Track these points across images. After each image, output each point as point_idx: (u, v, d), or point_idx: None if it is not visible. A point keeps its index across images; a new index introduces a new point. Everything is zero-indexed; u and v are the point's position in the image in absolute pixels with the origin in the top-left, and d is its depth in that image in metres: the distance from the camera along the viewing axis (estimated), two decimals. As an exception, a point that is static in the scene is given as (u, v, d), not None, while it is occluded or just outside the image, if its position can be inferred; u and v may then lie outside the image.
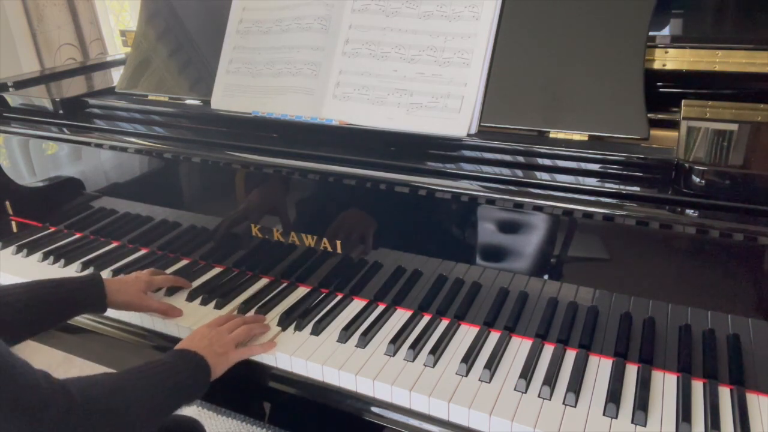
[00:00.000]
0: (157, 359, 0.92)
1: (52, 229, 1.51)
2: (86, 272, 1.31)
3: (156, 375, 0.88)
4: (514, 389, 0.93)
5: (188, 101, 1.36)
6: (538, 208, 0.93)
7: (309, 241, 1.16)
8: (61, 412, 0.73)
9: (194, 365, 0.93)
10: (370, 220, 1.09)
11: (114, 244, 1.43)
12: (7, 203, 1.56)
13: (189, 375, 0.92)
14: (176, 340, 1.13)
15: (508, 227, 0.97)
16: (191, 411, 1.86)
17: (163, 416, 0.91)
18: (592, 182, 0.92)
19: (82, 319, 1.25)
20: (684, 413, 0.85)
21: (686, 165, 0.84)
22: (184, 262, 1.34)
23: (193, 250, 1.33)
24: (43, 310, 1.01)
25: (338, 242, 1.13)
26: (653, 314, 0.93)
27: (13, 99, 1.46)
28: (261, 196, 1.19)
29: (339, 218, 1.12)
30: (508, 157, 1.00)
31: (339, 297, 1.17)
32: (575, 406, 0.89)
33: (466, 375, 0.96)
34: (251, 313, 1.14)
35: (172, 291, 1.22)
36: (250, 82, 1.25)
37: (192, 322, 1.12)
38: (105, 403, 0.80)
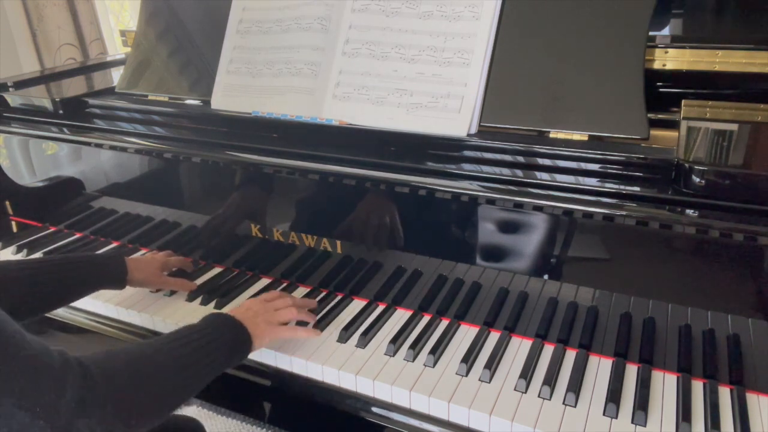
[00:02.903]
0: (191, 324, 0.89)
1: (52, 229, 1.51)
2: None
3: (186, 339, 0.84)
4: (514, 389, 0.93)
5: (188, 101, 1.36)
6: (538, 208, 0.93)
7: (309, 241, 1.16)
8: (79, 392, 0.67)
9: (231, 330, 0.91)
10: (370, 220, 1.09)
11: (114, 244, 1.43)
12: (7, 203, 1.55)
13: (225, 339, 0.89)
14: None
15: (508, 227, 0.97)
16: (191, 411, 1.86)
17: (197, 385, 0.84)
18: (592, 182, 0.92)
19: (82, 319, 1.25)
20: (684, 413, 0.85)
21: (686, 165, 0.84)
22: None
23: (193, 250, 1.33)
24: (67, 284, 1.03)
25: (338, 242, 1.13)
26: (653, 314, 0.93)
27: (13, 99, 1.46)
28: (260, 196, 1.19)
29: (339, 218, 1.12)
30: (508, 157, 1.00)
31: (339, 297, 1.17)
32: (575, 406, 0.89)
33: (466, 375, 0.96)
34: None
35: (172, 291, 1.22)
36: (250, 82, 1.25)
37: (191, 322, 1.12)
38: (127, 375, 0.74)
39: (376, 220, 1.08)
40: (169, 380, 0.80)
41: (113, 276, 1.12)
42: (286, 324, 1.02)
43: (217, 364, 0.88)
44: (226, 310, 1.14)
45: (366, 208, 1.09)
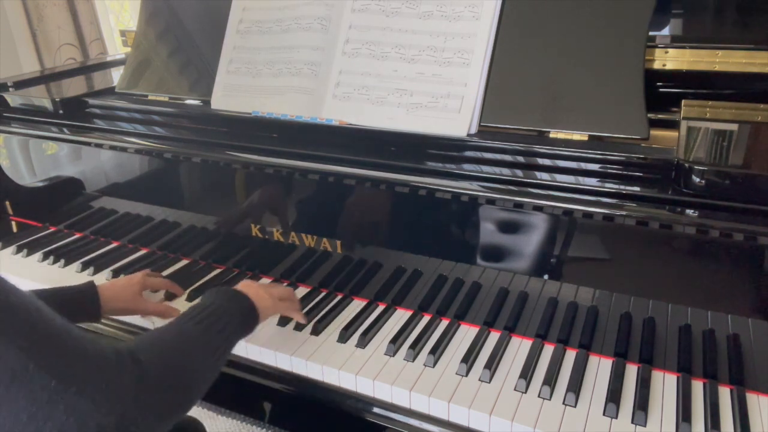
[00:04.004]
0: (203, 302, 0.90)
1: (52, 229, 1.51)
2: (85, 278, 1.29)
3: (209, 319, 0.85)
4: (514, 389, 0.93)
5: (188, 101, 1.36)
6: (538, 208, 0.93)
7: (309, 241, 1.16)
8: (134, 381, 0.69)
9: (242, 304, 0.93)
10: (370, 220, 1.09)
11: (114, 244, 1.43)
12: (7, 203, 1.55)
13: (239, 315, 0.90)
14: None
15: (509, 227, 0.97)
16: (192, 411, 1.86)
17: (219, 364, 0.85)
18: (592, 182, 0.92)
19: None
20: (684, 413, 0.85)
21: (686, 165, 0.84)
22: (184, 262, 1.34)
23: (193, 250, 1.33)
24: None
25: (338, 242, 1.13)
26: (653, 314, 0.93)
27: (13, 99, 1.46)
28: (261, 196, 1.19)
29: (339, 218, 1.12)
30: (508, 157, 1.00)
31: (339, 297, 1.17)
32: (575, 406, 0.89)
33: (466, 375, 0.96)
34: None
35: (171, 295, 1.22)
36: (250, 82, 1.25)
37: (192, 322, 1.12)
38: (173, 360, 0.76)
39: (376, 220, 1.08)
40: (202, 359, 0.81)
41: (84, 311, 1.05)
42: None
43: (231, 339, 0.88)
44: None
45: (366, 208, 1.09)
